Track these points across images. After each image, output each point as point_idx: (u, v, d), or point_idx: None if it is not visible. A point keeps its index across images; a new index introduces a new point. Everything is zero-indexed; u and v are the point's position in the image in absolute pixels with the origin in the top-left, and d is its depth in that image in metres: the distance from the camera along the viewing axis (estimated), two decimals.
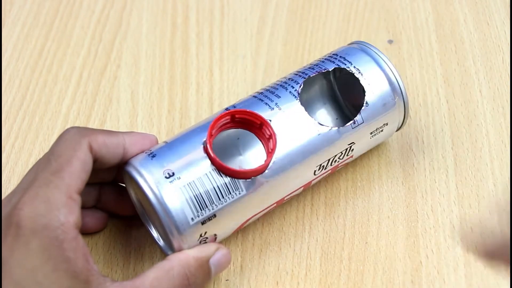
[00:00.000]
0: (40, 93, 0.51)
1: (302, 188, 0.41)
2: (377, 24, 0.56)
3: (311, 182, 0.40)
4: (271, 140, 0.38)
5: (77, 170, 0.34)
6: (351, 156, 0.42)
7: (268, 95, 0.40)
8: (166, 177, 0.36)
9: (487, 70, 0.52)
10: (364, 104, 0.40)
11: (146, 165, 0.36)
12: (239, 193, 0.36)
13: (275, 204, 0.40)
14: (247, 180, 0.37)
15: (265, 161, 0.37)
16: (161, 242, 0.39)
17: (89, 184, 0.39)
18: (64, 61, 0.53)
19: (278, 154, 0.37)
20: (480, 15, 0.56)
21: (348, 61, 0.41)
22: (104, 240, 0.42)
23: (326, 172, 0.41)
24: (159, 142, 0.39)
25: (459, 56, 0.53)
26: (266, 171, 0.37)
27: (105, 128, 0.48)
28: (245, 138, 0.41)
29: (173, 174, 0.36)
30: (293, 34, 0.55)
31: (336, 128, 0.39)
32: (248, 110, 0.38)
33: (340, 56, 0.42)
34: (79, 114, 0.50)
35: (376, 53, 0.41)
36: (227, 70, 0.53)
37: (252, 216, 0.39)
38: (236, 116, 0.38)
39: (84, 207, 0.40)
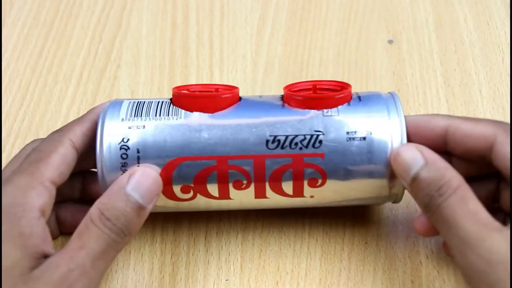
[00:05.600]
0: (40, 93, 0.51)
1: (252, 161, 0.36)
2: (377, 24, 0.56)
3: (264, 161, 0.36)
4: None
5: (55, 162, 0.36)
6: (321, 155, 0.36)
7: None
8: (128, 99, 0.39)
9: (487, 70, 0.52)
10: (346, 104, 0.38)
11: (116, 101, 0.39)
12: (176, 119, 0.37)
13: (215, 162, 0.36)
14: (190, 112, 0.37)
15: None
16: None
17: (73, 176, 0.40)
18: (64, 61, 0.53)
19: (234, 106, 0.38)
20: (480, 15, 0.56)
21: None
22: None
23: (285, 156, 0.36)
24: None
25: (459, 56, 0.53)
26: (212, 113, 0.37)
27: None
28: None
29: (135, 99, 0.39)
30: (293, 34, 0.55)
31: (305, 109, 0.37)
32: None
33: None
34: (79, 114, 0.49)
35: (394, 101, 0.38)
36: (227, 70, 0.53)
37: (183, 159, 0.36)
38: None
39: (70, 199, 0.41)
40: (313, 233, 0.42)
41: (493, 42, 0.54)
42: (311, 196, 0.38)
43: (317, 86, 0.40)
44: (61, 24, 0.56)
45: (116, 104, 0.38)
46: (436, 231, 0.36)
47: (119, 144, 0.36)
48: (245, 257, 0.41)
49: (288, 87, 0.39)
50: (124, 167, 0.36)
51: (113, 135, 0.36)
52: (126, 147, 0.36)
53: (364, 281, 0.40)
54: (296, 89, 0.39)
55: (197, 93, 0.39)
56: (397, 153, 0.35)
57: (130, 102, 0.38)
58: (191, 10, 0.57)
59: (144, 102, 0.38)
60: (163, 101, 0.38)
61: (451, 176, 0.33)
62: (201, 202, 0.38)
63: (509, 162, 0.34)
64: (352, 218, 0.43)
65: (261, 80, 0.52)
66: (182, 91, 0.38)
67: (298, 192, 0.38)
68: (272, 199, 0.38)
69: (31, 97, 0.51)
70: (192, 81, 0.52)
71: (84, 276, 0.32)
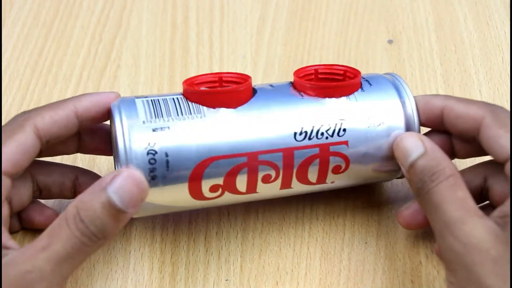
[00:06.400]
0: (40, 93, 0.51)
1: (281, 155, 0.37)
2: (377, 24, 0.56)
3: (293, 154, 0.37)
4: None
5: (9, 151, 0.34)
6: (345, 143, 0.37)
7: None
8: (135, 97, 0.37)
9: (487, 70, 0.52)
10: (360, 89, 0.39)
11: (121, 98, 0.37)
12: (200, 117, 0.36)
13: (246, 158, 0.36)
14: (212, 108, 0.36)
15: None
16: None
17: (63, 175, 0.40)
18: (64, 61, 0.53)
19: (254, 99, 0.37)
20: (480, 15, 0.56)
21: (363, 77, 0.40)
22: None
23: (312, 147, 0.37)
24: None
25: (459, 56, 0.53)
26: (235, 108, 0.36)
27: None
28: None
29: (144, 97, 0.37)
30: (293, 34, 0.55)
31: (325, 98, 0.38)
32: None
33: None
34: None
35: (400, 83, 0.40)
36: (227, 70, 0.53)
37: (214, 158, 0.36)
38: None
39: (60, 198, 0.41)
40: (313, 233, 0.42)
41: (493, 42, 0.54)
42: (332, 182, 0.39)
43: (319, 71, 0.40)
44: (61, 24, 0.56)
45: (129, 104, 0.36)
46: (418, 225, 0.38)
47: (146, 149, 0.35)
48: (245, 257, 0.41)
49: (297, 74, 0.39)
50: (152, 172, 0.35)
51: (137, 140, 0.35)
52: (154, 152, 0.35)
53: (364, 281, 0.40)
54: (302, 74, 0.39)
55: (218, 88, 0.37)
56: (400, 139, 0.37)
57: (143, 101, 0.36)
58: (191, 10, 0.57)
59: (158, 99, 0.37)
60: (177, 98, 0.37)
61: (445, 165, 0.34)
62: (226, 200, 0.38)
63: (493, 143, 0.35)
64: (352, 218, 0.43)
65: (261, 80, 0.52)
66: (201, 88, 0.37)
67: (321, 179, 0.39)
68: (295, 189, 0.39)
69: (31, 97, 0.51)
70: None
71: (43, 279, 0.31)
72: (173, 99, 0.37)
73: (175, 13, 0.57)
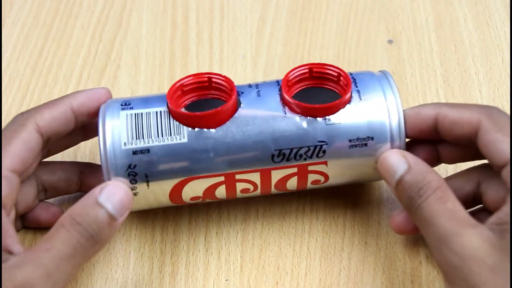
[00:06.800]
0: (40, 93, 0.51)
1: (259, 174, 0.38)
2: (377, 24, 0.56)
3: (270, 173, 0.38)
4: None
5: (16, 149, 0.35)
6: (325, 163, 0.38)
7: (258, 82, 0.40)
8: (121, 105, 0.38)
9: (487, 70, 0.52)
10: (347, 105, 0.38)
11: (109, 103, 0.38)
12: (179, 139, 0.36)
13: (223, 178, 0.37)
14: (192, 129, 0.36)
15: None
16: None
17: (69, 170, 0.41)
18: (64, 61, 0.54)
19: (235, 117, 0.37)
20: (480, 15, 0.56)
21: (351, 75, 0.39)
22: None
23: (290, 167, 0.38)
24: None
25: (459, 56, 0.53)
26: (215, 129, 0.36)
27: None
28: None
29: (129, 104, 0.37)
30: (293, 34, 0.55)
31: (307, 118, 0.37)
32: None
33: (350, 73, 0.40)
34: None
35: (388, 81, 0.39)
36: (227, 70, 0.53)
37: (191, 178, 0.37)
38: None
39: (67, 194, 0.42)
40: (313, 233, 0.42)
41: (493, 42, 0.54)
42: (313, 189, 0.41)
43: (314, 69, 0.39)
44: (61, 24, 0.56)
45: (114, 118, 0.37)
46: (411, 230, 0.38)
47: (126, 171, 0.36)
48: (245, 257, 0.41)
49: (286, 77, 0.38)
50: (134, 190, 0.37)
51: (119, 163, 0.36)
52: (134, 173, 0.36)
53: (364, 281, 0.40)
54: (292, 76, 0.39)
55: (196, 113, 0.37)
56: (383, 158, 0.37)
57: (127, 116, 0.37)
58: (191, 10, 0.57)
59: (142, 115, 0.37)
60: (161, 112, 0.37)
61: (431, 178, 0.34)
62: (208, 202, 0.40)
63: (491, 148, 0.34)
64: (352, 218, 0.43)
65: (261, 80, 0.52)
66: (181, 110, 0.37)
67: (301, 188, 0.40)
68: (276, 193, 0.41)
69: (31, 97, 0.51)
70: None
71: (48, 278, 0.32)
72: (157, 113, 0.37)
73: (175, 13, 0.57)
